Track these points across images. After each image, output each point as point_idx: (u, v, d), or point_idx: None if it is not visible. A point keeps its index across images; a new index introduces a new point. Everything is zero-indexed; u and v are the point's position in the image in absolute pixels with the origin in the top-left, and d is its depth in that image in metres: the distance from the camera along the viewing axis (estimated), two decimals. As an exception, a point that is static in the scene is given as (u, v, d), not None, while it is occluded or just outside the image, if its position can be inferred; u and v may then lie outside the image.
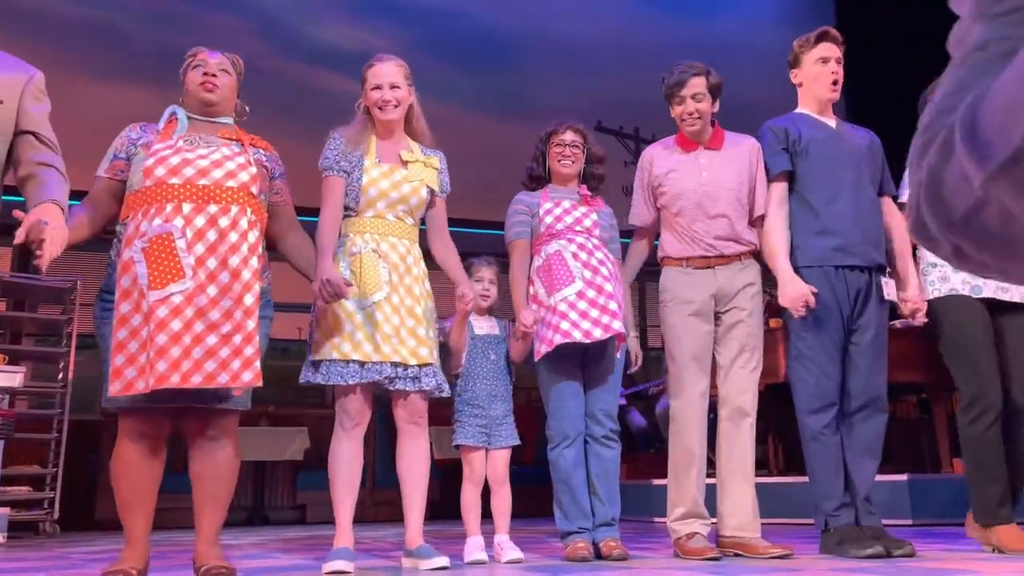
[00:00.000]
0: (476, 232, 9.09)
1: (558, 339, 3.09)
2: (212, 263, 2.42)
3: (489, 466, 3.31)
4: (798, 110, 3.46)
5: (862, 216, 3.22)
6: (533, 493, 7.52)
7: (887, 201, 3.37)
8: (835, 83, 3.32)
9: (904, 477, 4.65)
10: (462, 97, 9.77)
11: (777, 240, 3.21)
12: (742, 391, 3.23)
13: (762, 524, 3.24)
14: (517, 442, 3.35)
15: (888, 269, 3.31)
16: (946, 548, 3.26)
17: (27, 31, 8.32)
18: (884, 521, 3.23)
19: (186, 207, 2.45)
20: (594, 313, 3.11)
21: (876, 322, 3.19)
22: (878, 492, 3.33)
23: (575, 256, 3.23)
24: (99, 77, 8.44)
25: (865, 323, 3.18)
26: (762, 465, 5.96)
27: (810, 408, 3.15)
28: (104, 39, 8.52)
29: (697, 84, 3.37)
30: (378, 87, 3.15)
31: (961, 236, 0.51)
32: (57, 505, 5.61)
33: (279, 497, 7.23)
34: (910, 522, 4.51)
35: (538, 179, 3.54)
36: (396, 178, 3.08)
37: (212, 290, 2.40)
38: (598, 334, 3.09)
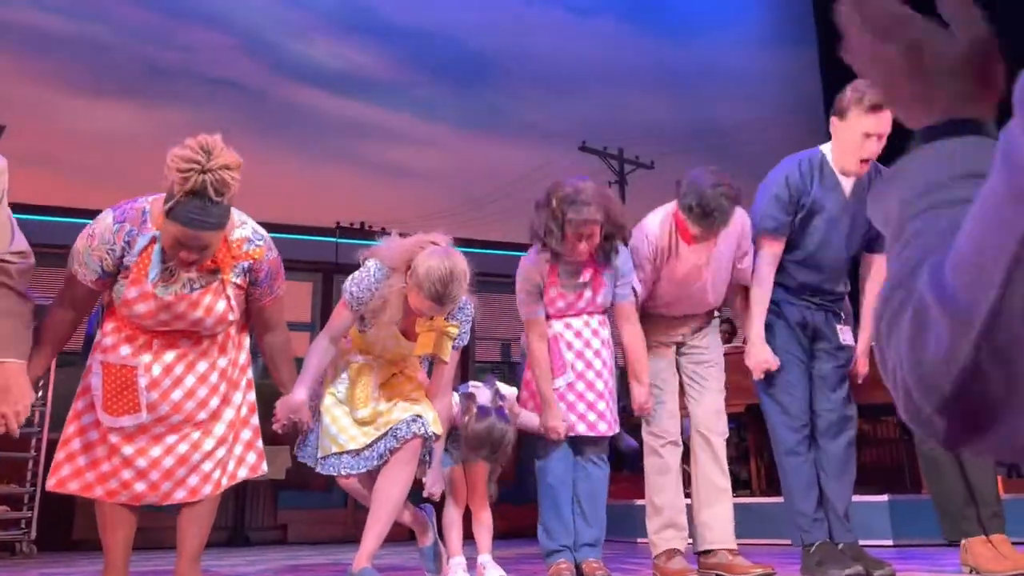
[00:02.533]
0: (464, 250, 9.11)
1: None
2: (178, 395, 2.49)
3: (469, 484, 3.30)
4: (824, 154, 3.30)
5: (829, 271, 3.34)
6: (515, 514, 7.51)
7: (875, 259, 3.40)
8: (865, 161, 3.16)
9: (884, 497, 4.67)
10: (448, 115, 9.82)
11: (758, 304, 3.28)
12: (715, 409, 3.37)
13: (744, 544, 3.25)
14: None
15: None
16: (927, 569, 3.28)
17: (9, 45, 8.31)
18: (864, 542, 3.26)
19: (156, 343, 2.49)
20: (580, 407, 3.22)
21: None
22: (858, 512, 3.36)
23: (570, 346, 3.27)
24: (83, 92, 8.43)
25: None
26: (745, 485, 5.98)
27: (786, 425, 3.24)
28: (88, 54, 8.52)
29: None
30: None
31: (956, 412, 0.46)
32: (34, 525, 5.54)
33: (260, 517, 7.16)
34: (890, 543, 4.53)
35: (554, 254, 3.20)
36: (400, 343, 2.95)
37: (175, 418, 2.49)
38: (581, 429, 3.20)
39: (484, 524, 3.30)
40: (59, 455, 2.48)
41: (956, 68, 0.63)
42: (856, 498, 3.26)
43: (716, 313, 3.57)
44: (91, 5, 8.70)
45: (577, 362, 3.24)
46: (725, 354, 3.60)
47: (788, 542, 4.93)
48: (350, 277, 2.88)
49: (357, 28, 10.02)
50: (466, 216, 9.35)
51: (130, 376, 2.45)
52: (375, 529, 2.93)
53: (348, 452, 2.91)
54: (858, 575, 2.93)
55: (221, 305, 2.51)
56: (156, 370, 2.47)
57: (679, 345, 3.45)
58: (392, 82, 9.74)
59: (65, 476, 2.46)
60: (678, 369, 3.46)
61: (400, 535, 7.07)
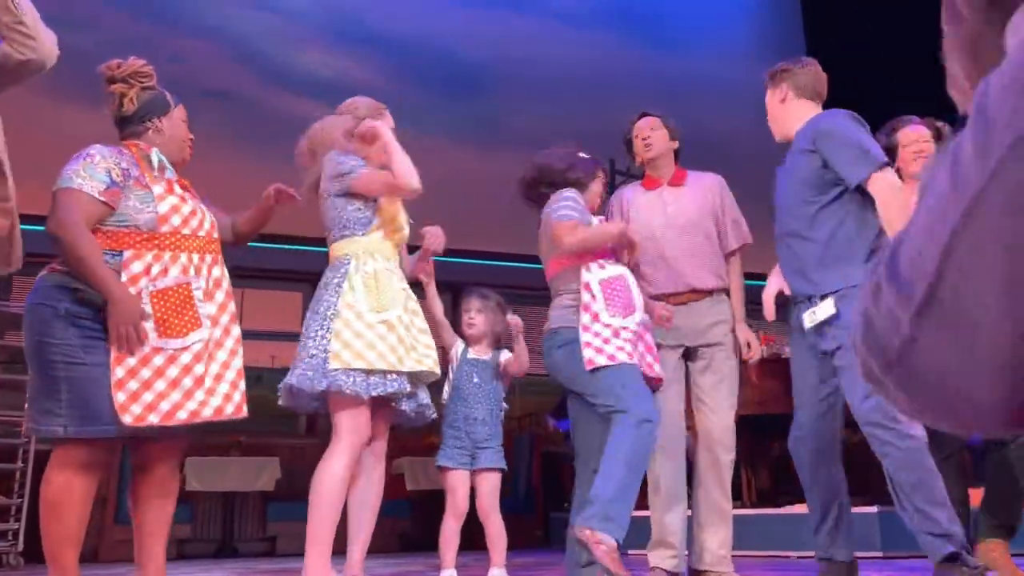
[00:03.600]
0: (455, 261, 9.11)
1: (623, 357, 2.85)
2: (213, 309, 2.60)
3: (477, 493, 3.30)
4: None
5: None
6: (521, 525, 7.49)
7: None
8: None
9: (874, 509, 4.67)
10: (440, 126, 9.83)
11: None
12: (724, 426, 3.25)
13: (735, 556, 3.24)
14: (502, 466, 3.35)
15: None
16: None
17: None
18: (855, 553, 3.25)
19: (195, 258, 2.59)
20: (648, 358, 2.99)
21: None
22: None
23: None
24: (74, 101, 8.41)
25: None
26: (735, 496, 5.98)
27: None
28: (79, 64, 8.50)
29: (647, 121, 3.58)
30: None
31: (900, 375, 0.52)
32: (22, 537, 5.50)
33: (249, 529, 7.11)
34: (880, 554, 4.53)
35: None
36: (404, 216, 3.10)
37: (217, 332, 2.58)
38: (658, 370, 3.00)
39: (495, 534, 3.27)
40: (122, 393, 2.37)
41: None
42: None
43: (722, 308, 3.35)
44: (82, 15, 8.68)
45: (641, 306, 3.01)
46: None
47: (780, 553, 4.93)
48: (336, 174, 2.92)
49: (349, 39, 10.03)
50: (458, 226, 9.35)
51: (187, 293, 2.52)
52: (365, 535, 2.96)
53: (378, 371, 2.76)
54: None
55: (211, 221, 2.71)
56: (206, 284, 2.59)
57: (687, 351, 3.30)
58: (384, 92, 9.67)
59: (141, 412, 2.38)
60: (686, 380, 3.30)
61: (391, 547, 7.04)
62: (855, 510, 3.02)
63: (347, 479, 2.79)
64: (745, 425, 5.19)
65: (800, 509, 5.20)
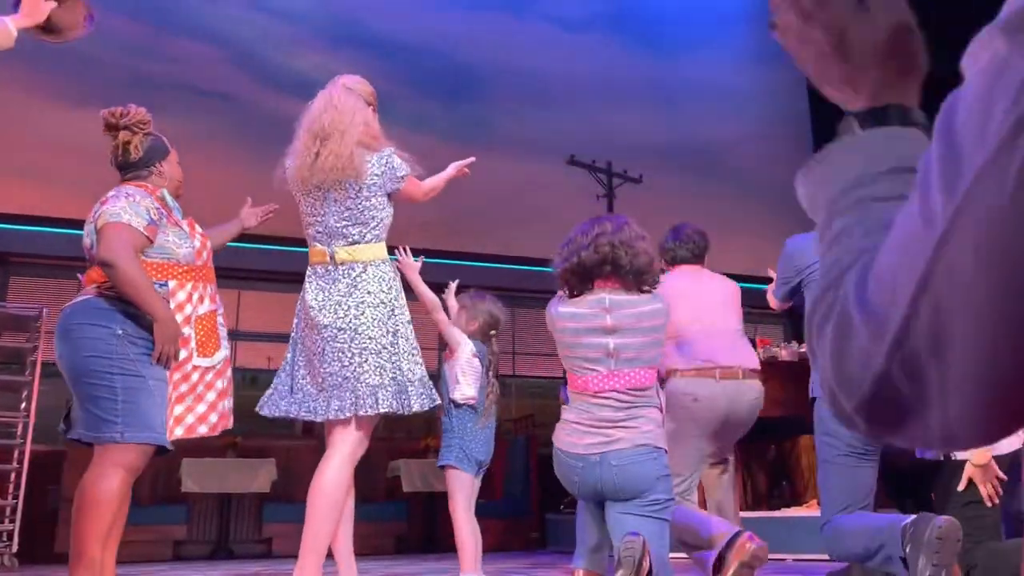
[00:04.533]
0: (449, 263, 9.11)
1: None
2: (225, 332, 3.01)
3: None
4: None
5: None
6: (517, 527, 7.49)
7: None
8: None
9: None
10: (437, 129, 9.83)
11: None
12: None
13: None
14: (444, 462, 3.36)
15: None
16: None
17: (-2, 56, 8.27)
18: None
19: (211, 287, 2.96)
20: None
21: None
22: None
23: None
24: (68, 103, 8.39)
25: None
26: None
27: None
28: (74, 65, 8.49)
29: None
30: None
31: (872, 412, 0.50)
32: (16, 538, 5.48)
33: (245, 530, 7.10)
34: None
35: None
36: None
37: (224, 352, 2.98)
38: None
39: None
40: (180, 406, 2.78)
41: (877, 52, 0.64)
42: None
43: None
44: (79, 16, 8.68)
45: None
46: None
47: (780, 556, 4.94)
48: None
49: (345, 41, 10.03)
50: (454, 228, 9.35)
51: (213, 319, 2.90)
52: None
53: None
54: None
55: None
56: (221, 310, 2.98)
57: None
58: (381, 95, 9.70)
59: (171, 426, 2.76)
60: None
61: (387, 549, 7.04)
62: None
63: (350, 488, 2.79)
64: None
65: (795, 512, 5.21)
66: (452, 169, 3.14)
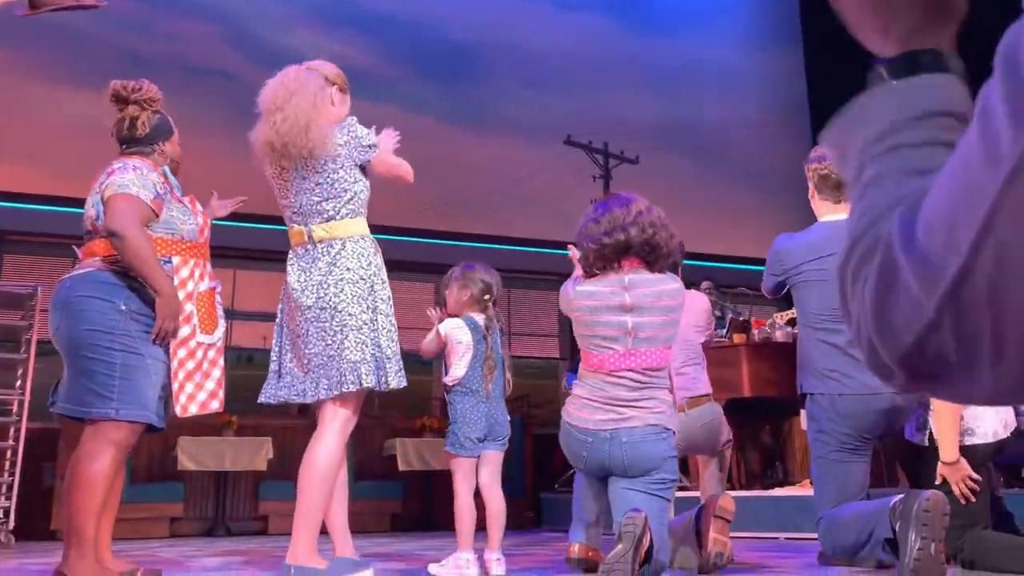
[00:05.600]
0: (445, 243, 9.10)
1: None
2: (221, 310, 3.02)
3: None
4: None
5: None
6: (513, 506, 7.50)
7: None
8: None
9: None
10: (433, 109, 9.79)
11: None
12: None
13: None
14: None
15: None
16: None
17: (-9, 32, 8.21)
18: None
19: (209, 265, 2.97)
20: None
21: None
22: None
23: None
24: (62, 82, 8.34)
25: None
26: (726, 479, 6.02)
27: None
28: (68, 43, 8.43)
29: None
30: None
31: (916, 365, 0.47)
32: (12, 515, 5.50)
33: (240, 508, 7.14)
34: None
35: None
36: None
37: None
38: None
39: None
40: (175, 384, 2.79)
41: None
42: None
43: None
44: (73, -8, 8.61)
45: None
46: (712, 347, 3.64)
47: (769, 535, 4.98)
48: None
49: (341, 20, 9.95)
50: (450, 209, 9.33)
51: (212, 296, 2.92)
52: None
53: None
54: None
55: None
56: (218, 288, 3.00)
57: None
58: (378, 76, 9.69)
59: (185, 403, 2.80)
60: None
61: (382, 526, 7.08)
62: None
63: (342, 462, 2.80)
64: (736, 408, 5.23)
65: (788, 491, 5.25)
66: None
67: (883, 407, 2.96)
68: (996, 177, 0.42)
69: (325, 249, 2.73)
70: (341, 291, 2.67)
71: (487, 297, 3.35)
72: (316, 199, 2.75)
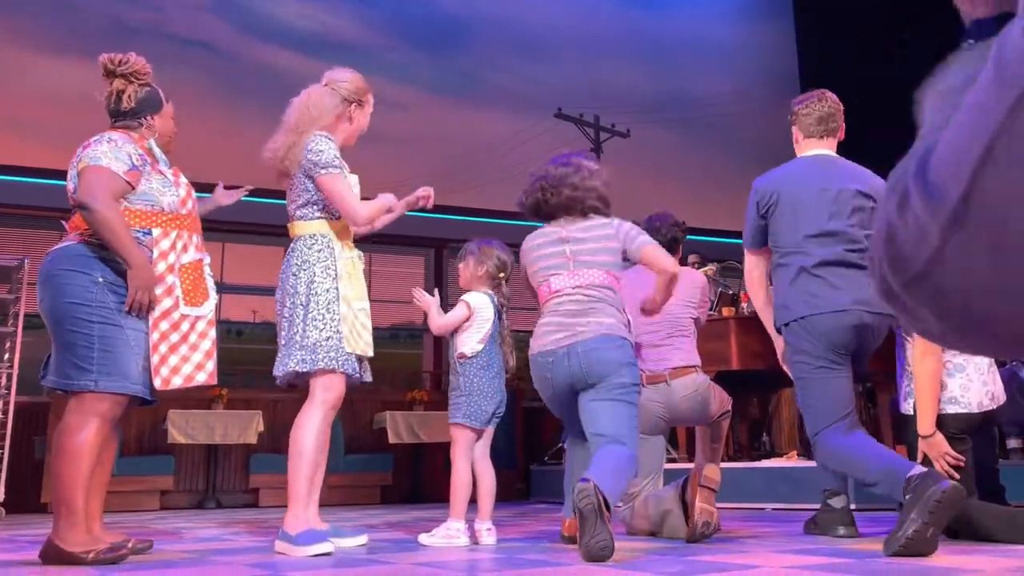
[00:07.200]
0: (432, 217, 9.08)
1: None
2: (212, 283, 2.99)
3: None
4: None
5: None
6: (503, 478, 7.56)
7: None
8: None
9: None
10: (422, 80, 9.71)
11: None
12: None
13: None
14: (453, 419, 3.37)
15: None
16: (886, 532, 3.35)
17: (-27, 1, 8.08)
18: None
19: (197, 237, 2.94)
20: None
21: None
22: (819, 477, 3.44)
23: None
24: (47, 51, 8.23)
25: None
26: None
27: None
28: (52, 12, 8.31)
29: None
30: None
31: (920, 296, 0.49)
32: (2, 488, 5.51)
33: (231, 480, 7.17)
34: (853, 507, 4.62)
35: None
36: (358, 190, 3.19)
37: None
38: None
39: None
40: (156, 356, 2.74)
41: None
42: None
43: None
44: (56, -40, 8.46)
45: None
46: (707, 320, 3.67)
47: (755, 505, 5.04)
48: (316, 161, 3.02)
49: (330, -11, 9.83)
50: (439, 181, 9.29)
51: (199, 268, 2.90)
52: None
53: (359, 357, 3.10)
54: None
55: None
56: (207, 260, 2.97)
57: None
58: (365, 45, 9.59)
59: (167, 375, 2.75)
60: None
61: (372, 499, 7.12)
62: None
63: (327, 434, 3.01)
64: (724, 381, 5.26)
65: (776, 463, 5.30)
66: (402, 205, 3.28)
67: (853, 323, 3.01)
68: (1002, 104, 0.43)
69: (293, 244, 3.07)
70: (298, 280, 2.99)
71: (501, 275, 3.45)
72: (291, 203, 3.12)
